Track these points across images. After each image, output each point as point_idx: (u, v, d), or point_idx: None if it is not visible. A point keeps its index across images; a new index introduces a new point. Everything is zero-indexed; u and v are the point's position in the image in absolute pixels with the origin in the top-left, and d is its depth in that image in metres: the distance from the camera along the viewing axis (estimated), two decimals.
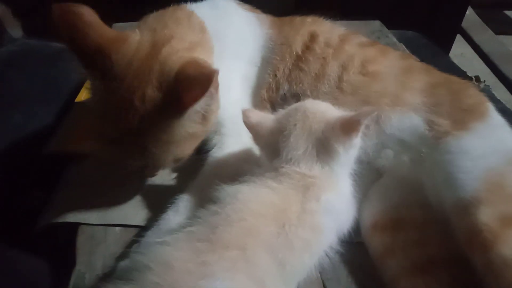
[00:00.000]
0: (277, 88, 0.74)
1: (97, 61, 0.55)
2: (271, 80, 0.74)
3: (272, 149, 0.59)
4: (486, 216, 0.57)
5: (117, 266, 0.59)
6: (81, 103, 0.88)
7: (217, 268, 0.45)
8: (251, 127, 0.62)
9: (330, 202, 0.56)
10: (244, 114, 0.62)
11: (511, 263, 0.53)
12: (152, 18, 0.66)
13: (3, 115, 0.78)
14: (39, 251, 0.69)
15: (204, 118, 0.61)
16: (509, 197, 0.59)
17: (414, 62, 0.77)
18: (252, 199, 0.52)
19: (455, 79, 0.74)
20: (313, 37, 0.76)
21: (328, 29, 0.78)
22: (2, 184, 0.75)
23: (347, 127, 0.56)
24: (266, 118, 0.62)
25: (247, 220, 0.49)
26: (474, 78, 1.03)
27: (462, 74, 1.09)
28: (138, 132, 0.57)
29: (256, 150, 0.71)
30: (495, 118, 0.68)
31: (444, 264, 0.62)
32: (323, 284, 0.64)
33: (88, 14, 0.54)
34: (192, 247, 0.47)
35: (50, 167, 0.79)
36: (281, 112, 0.63)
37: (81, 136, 0.79)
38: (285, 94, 0.74)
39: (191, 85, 0.54)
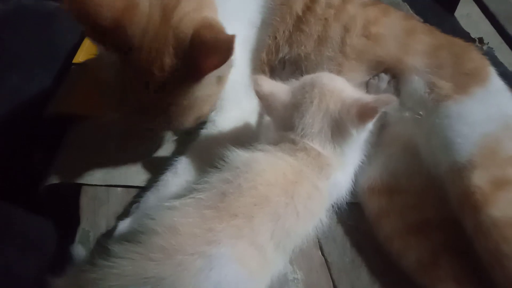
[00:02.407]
0: (277, 51, 0.73)
1: (113, 36, 0.54)
2: (270, 42, 0.73)
3: (284, 122, 0.58)
4: (479, 179, 0.59)
5: (117, 225, 0.61)
6: (79, 64, 0.87)
7: (223, 235, 0.46)
8: (263, 97, 0.60)
9: (336, 179, 0.58)
10: (256, 82, 0.60)
11: (500, 223, 0.56)
12: None
13: (0, 77, 0.78)
14: (43, 211, 0.71)
15: (219, 79, 0.62)
16: (502, 161, 0.61)
17: (417, 23, 0.75)
18: (266, 169, 0.53)
19: (457, 41, 0.73)
20: None
21: None
22: (3, 146, 0.76)
23: (364, 114, 0.55)
24: (279, 89, 0.60)
25: (258, 189, 0.50)
26: (477, 40, 1.01)
27: (466, 35, 1.07)
28: (160, 100, 0.58)
29: (253, 119, 0.71)
30: (496, 83, 0.68)
31: (438, 226, 0.64)
32: (319, 243, 0.66)
33: None
34: (200, 213, 0.48)
35: (50, 129, 0.80)
36: (296, 84, 0.61)
37: (81, 98, 0.79)
38: (284, 58, 0.73)
39: (210, 52, 0.54)
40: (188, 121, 0.63)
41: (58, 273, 0.51)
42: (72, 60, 0.88)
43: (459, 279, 0.59)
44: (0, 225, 0.65)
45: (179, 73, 0.56)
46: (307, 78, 0.61)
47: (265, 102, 0.60)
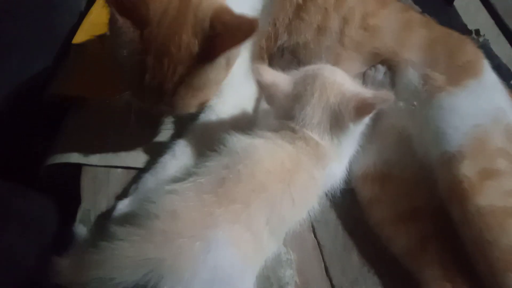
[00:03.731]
0: (276, 38, 0.73)
1: (137, 10, 0.55)
2: (270, 29, 0.73)
3: (285, 112, 0.59)
4: (467, 169, 0.61)
5: (116, 204, 0.62)
6: (79, 45, 0.87)
7: (221, 220, 0.47)
8: (264, 87, 0.61)
9: (332, 170, 0.60)
10: (257, 71, 0.61)
11: (484, 212, 0.58)
12: None
13: (0, 60, 0.77)
14: (45, 190, 0.71)
15: (228, 63, 0.62)
16: (490, 152, 0.63)
17: (414, 14, 0.76)
18: (265, 157, 0.54)
19: (453, 33, 0.74)
20: None
21: None
22: (3, 129, 0.76)
23: (362, 109, 0.56)
24: (280, 80, 0.61)
25: (256, 176, 0.51)
26: (474, 32, 1.02)
27: (463, 26, 1.08)
28: (171, 78, 0.58)
29: (251, 105, 0.72)
30: (489, 76, 0.70)
31: (428, 214, 0.66)
32: (312, 226, 0.69)
33: None
34: (199, 197, 0.49)
35: (50, 111, 0.80)
36: (297, 75, 0.62)
37: (81, 80, 0.79)
38: (283, 45, 0.74)
39: (230, 32, 0.55)
40: (193, 105, 0.64)
41: (60, 251, 0.52)
42: (71, 40, 0.88)
43: (445, 265, 0.61)
44: (0, 203, 0.66)
45: (194, 52, 0.57)
46: (308, 69, 0.62)
47: (266, 91, 0.61)
